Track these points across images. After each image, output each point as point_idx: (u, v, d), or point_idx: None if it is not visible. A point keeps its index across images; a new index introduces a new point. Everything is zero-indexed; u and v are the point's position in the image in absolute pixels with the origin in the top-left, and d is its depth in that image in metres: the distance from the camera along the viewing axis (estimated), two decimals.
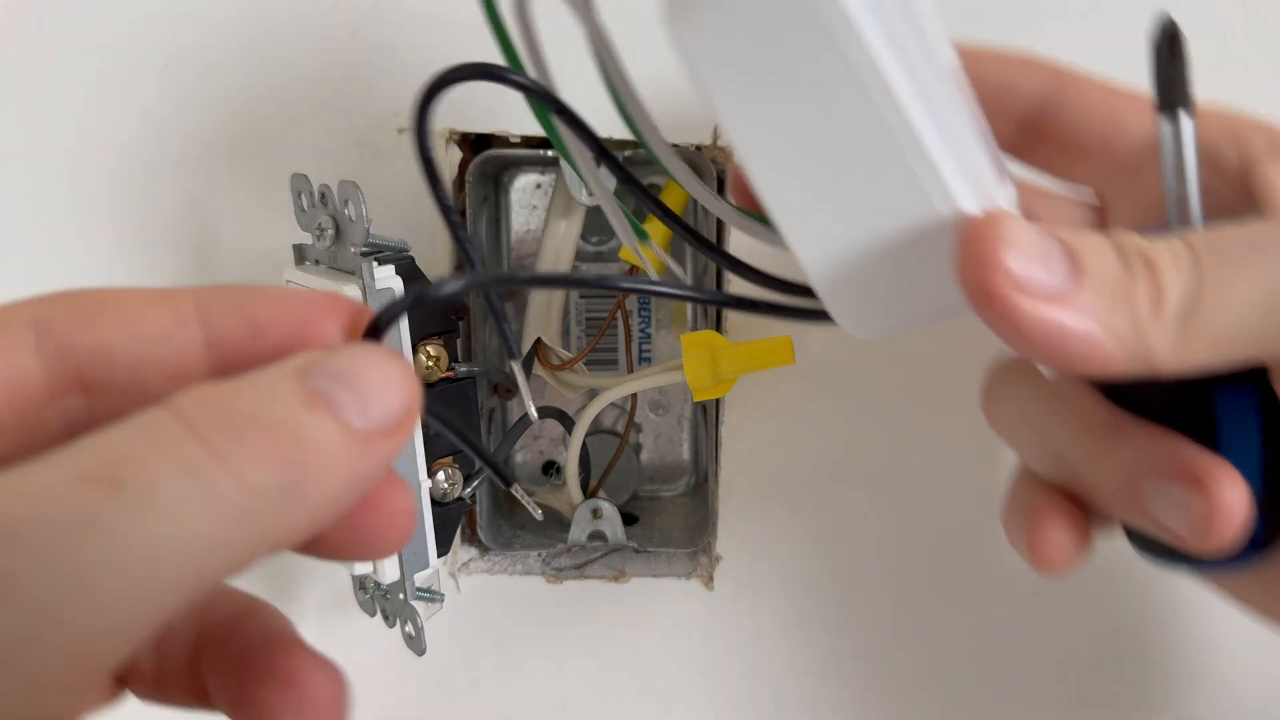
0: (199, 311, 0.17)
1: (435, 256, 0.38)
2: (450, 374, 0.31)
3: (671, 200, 0.39)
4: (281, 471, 0.14)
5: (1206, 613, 0.41)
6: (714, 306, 0.37)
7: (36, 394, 0.16)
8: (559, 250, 0.39)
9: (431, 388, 0.31)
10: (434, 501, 0.32)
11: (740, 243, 0.37)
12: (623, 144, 0.37)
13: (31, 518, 0.12)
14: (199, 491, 0.13)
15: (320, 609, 0.42)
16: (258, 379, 0.15)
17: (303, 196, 0.31)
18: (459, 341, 0.32)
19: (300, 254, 0.33)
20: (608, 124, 0.36)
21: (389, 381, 0.16)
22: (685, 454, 0.45)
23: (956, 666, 0.42)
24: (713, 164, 0.37)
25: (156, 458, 0.13)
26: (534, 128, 0.36)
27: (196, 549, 0.13)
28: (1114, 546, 0.28)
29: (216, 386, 0.15)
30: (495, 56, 0.36)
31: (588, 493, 0.41)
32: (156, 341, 0.17)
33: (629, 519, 0.43)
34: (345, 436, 0.15)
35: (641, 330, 0.43)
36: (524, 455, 0.45)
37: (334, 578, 0.41)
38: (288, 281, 0.32)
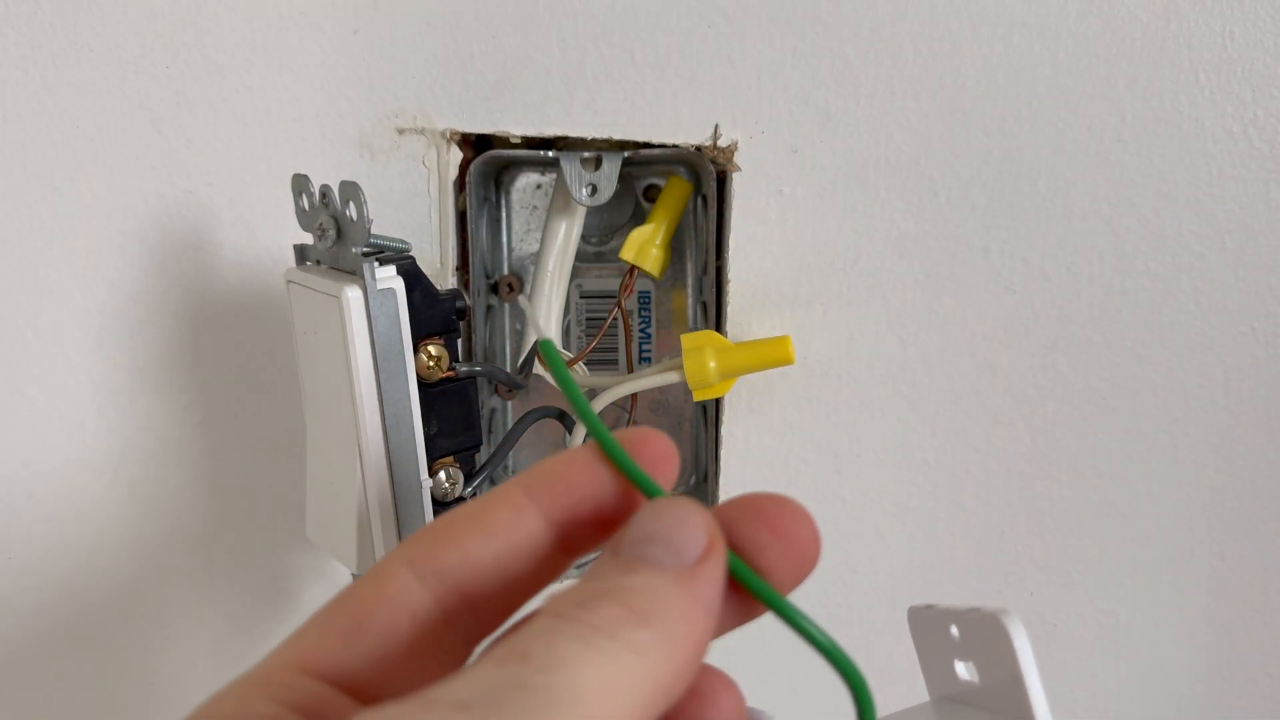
0: (529, 496, 0.19)
1: (435, 255, 0.38)
2: (451, 374, 0.31)
3: (671, 200, 0.39)
4: (634, 618, 0.16)
5: None
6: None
7: (434, 621, 0.18)
8: (560, 252, 0.39)
9: (432, 387, 0.31)
10: (435, 501, 0.32)
11: (741, 244, 0.38)
12: (623, 144, 0.37)
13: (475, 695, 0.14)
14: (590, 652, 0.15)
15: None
16: (591, 571, 0.18)
17: (304, 197, 0.31)
18: (459, 341, 0.32)
19: (301, 254, 0.33)
20: (608, 123, 0.37)
21: (685, 522, 0.18)
22: (685, 453, 0.45)
23: None
24: (712, 164, 0.37)
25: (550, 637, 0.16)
26: (534, 128, 0.37)
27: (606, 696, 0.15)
28: None
29: (572, 588, 0.17)
30: (491, 58, 0.36)
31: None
32: (508, 536, 0.19)
33: None
34: (671, 575, 0.17)
35: (641, 330, 0.43)
36: (524, 455, 0.45)
37: (333, 577, 0.41)
38: (289, 282, 0.32)
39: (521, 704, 0.14)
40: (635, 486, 0.19)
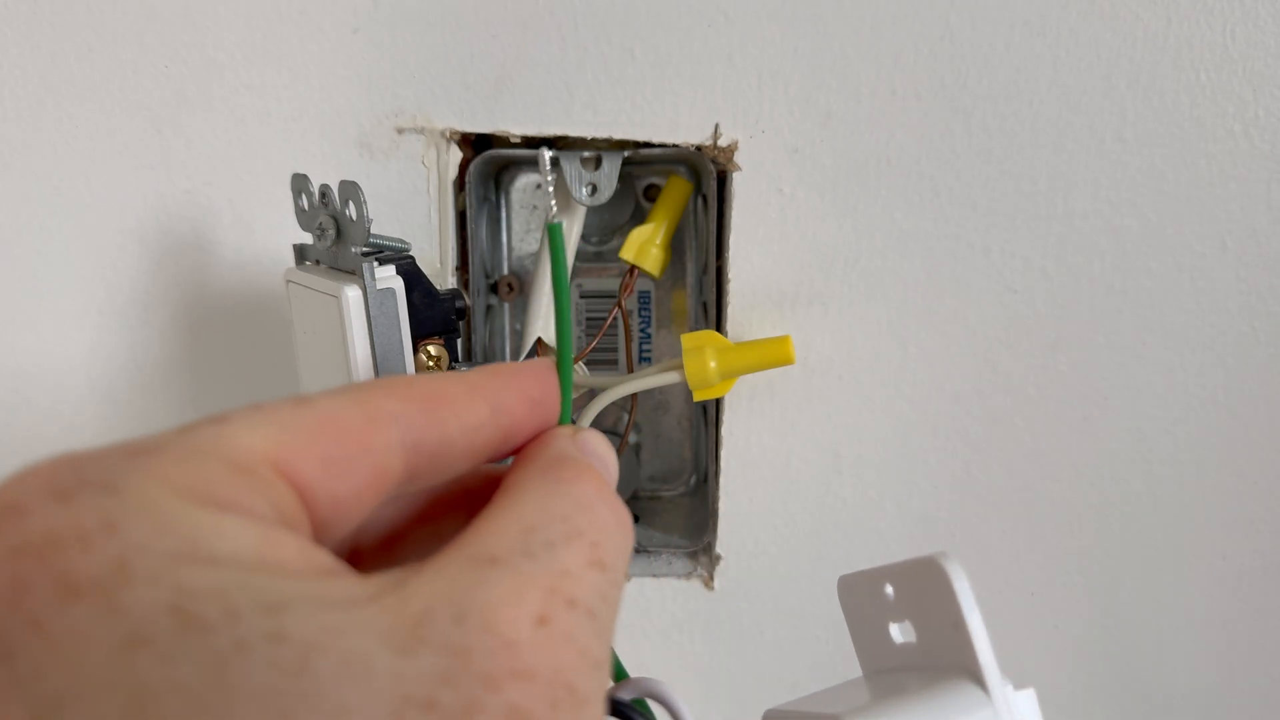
0: (487, 394, 0.20)
1: (434, 255, 0.38)
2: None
3: (671, 200, 0.39)
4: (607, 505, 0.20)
5: None
6: None
7: (394, 483, 0.19)
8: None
9: None
10: None
11: (741, 244, 0.37)
12: (623, 144, 0.37)
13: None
14: None
15: None
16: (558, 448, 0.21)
17: (303, 196, 0.31)
18: (459, 341, 0.32)
19: (301, 254, 0.33)
20: (608, 122, 0.36)
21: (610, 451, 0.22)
22: (685, 454, 0.45)
23: None
24: (712, 164, 0.37)
25: None
26: (534, 128, 0.36)
27: None
28: None
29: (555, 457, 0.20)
30: (491, 57, 0.36)
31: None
32: (476, 429, 0.20)
33: None
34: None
35: (641, 330, 0.43)
36: None
37: None
38: (289, 282, 0.32)
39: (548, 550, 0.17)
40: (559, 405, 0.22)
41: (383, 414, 0.18)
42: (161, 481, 0.15)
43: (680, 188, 0.39)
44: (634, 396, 0.39)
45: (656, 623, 0.42)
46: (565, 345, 0.22)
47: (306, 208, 0.31)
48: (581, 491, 0.19)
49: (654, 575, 0.41)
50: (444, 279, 0.38)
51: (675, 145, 0.37)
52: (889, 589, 0.23)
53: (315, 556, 0.16)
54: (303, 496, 0.17)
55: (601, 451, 0.21)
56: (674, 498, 0.45)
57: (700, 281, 0.41)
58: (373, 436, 0.18)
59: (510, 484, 0.19)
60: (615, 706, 0.21)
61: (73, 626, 0.13)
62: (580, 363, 0.39)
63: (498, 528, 0.17)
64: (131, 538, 0.14)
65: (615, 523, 0.19)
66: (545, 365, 0.22)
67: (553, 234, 0.22)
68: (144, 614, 0.13)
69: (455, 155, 0.37)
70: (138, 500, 0.14)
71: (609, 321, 0.40)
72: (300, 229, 0.32)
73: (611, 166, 0.37)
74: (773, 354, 0.35)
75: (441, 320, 0.31)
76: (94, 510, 0.14)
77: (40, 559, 0.13)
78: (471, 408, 0.19)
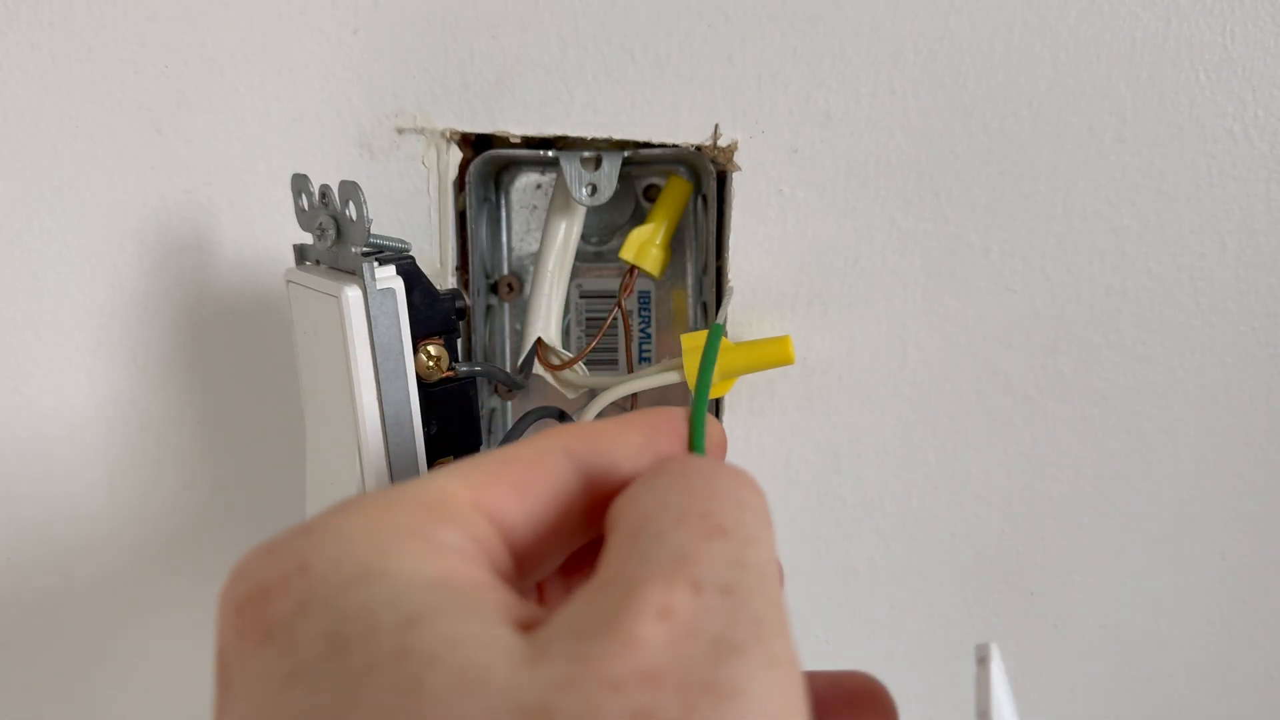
0: (638, 425, 0.21)
1: (434, 255, 0.38)
2: (451, 374, 0.31)
3: (671, 200, 0.39)
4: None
5: None
6: None
7: (578, 507, 0.19)
8: (560, 251, 0.39)
9: (431, 387, 0.31)
10: None
11: (741, 244, 0.37)
12: (623, 144, 0.37)
13: None
14: None
15: None
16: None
17: (303, 196, 0.31)
18: (459, 341, 0.32)
19: (301, 254, 0.33)
20: (608, 122, 0.37)
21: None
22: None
23: (959, 671, 0.42)
24: (712, 164, 0.37)
25: None
26: (534, 128, 0.36)
27: None
28: None
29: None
30: (491, 58, 0.36)
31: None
32: (634, 456, 0.21)
33: None
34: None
35: (641, 330, 0.43)
36: None
37: None
38: (289, 282, 0.32)
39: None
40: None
41: (550, 446, 0.19)
42: (353, 519, 0.16)
43: (680, 188, 0.39)
44: (634, 396, 0.39)
45: None
46: (699, 424, 0.23)
47: (307, 208, 0.31)
48: (672, 474, 0.18)
49: None
50: (444, 279, 0.38)
51: (675, 145, 0.37)
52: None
53: (487, 578, 0.16)
54: (501, 529, 0.18)
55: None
56: None
57: (700, 281, 0.41)
58: (546, 461, 0.19)
59: (613, 509, 0.18)
60: None
61: (262, 666, 0.15)
62: (580, 363, 0.39)
63: (611, 552, 0.17)
64: (317, 572, 0.15)
65: (725, 485, 0.18)
66: (681, 411, 0.23)
67: (714, 334, 0.24)
68: (308, 646, 0.15)
69: (455, 155, 0.37)
70: (330, 537, 0.16)
71: (609, 321, 0.40)
72: (300, 229, 0.32)
73: (611, 167, 0.37)
74: (773, 354, 0.35)
75: (441, 320, 0.31)
76: (293, 554, 0.16)
77: (253, 609, 0.15)
78: (626, 436, 0.21)
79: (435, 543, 0.16)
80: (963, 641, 0.42)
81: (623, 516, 0.17)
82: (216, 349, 0.39)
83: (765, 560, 0.17)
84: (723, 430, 0.23)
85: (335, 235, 0.30)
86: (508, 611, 0.16)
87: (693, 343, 0.36)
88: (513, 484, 0.18)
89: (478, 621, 0.15)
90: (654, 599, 0.15)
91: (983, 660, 0.21)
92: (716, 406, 0.39)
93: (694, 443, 0.22)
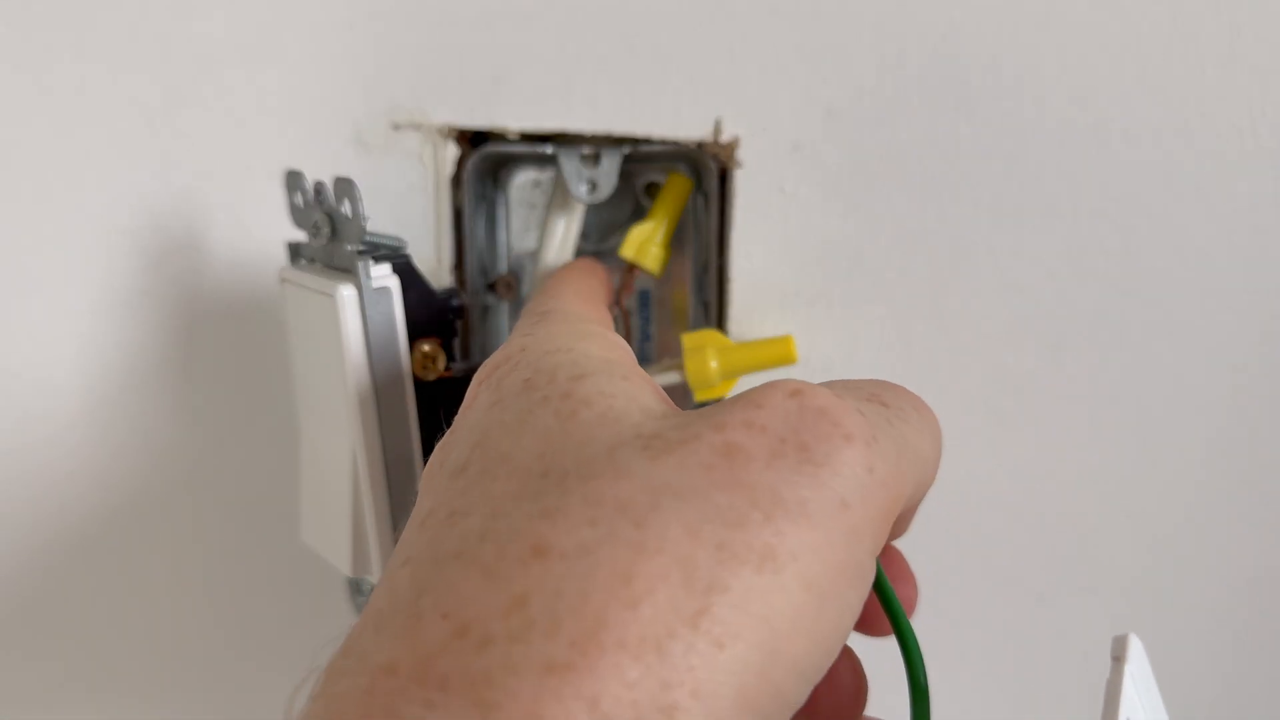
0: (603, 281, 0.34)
1: (431, 253, 0.38)
2: (447, 373, 0.31)
3: (672, 197, 0.39)
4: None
5: None
6: None
7: None
8: (559, 250, 0.39)
9: (428, 387, 0.31)
10: None
11: (742, 242, 0.37)
12: (623, 140, 0.36)
13: None
14: None
15: (315, 613, 0.41)
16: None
17: (298, 193, 0.31)
18: (456, 341, 0.32)
19: (295, 252, 0.32)
20: (608, 118, 0.36)
21: None
22: None
23: (962, 673, 0.42)
24: (713, 161, 0.36)
25: None
26: (532, 123, 0.36)
27: None
28: None
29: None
30: (488, 52, 0.36)
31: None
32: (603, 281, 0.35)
33: None
34: None
35: (642, 330, 0.42)
36: None
37: (327, 580, 0.41)
38: (283, 280, 0.31)
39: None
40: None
41: (589, 270, 0.35)
42: (557, 325, 0.24)
43: (680, 185, 0.39)
44: None
45: None
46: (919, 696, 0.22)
47: (301, 205, 0.31)
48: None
49: None
50: (440, 278, 0.38)
51: (675, 142, 0.36)
52: None
53: (644, 371, 0.22)
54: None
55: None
56: None
57: (701, 280, 0.41)
58: (599, 285, 0.34)
59: None
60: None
61: (481, 399, 0.21)
62: None
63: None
64: (531, 349, 0.22)
65: (913, 406, 0.23)
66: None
67: (883, 586, 0.21)
68: (509, 386, 0.21)
69: (452, 151, 0.37)
70: (543, 332, 0.23)
71: None
72: (295, 226, 0.31)
73: (611, 163, 0.37)
74: (775, 354, 0.35)
75: (438, 319, 0.31)
76: (519, 342, 0.22)
77: (487, 373, 0.22)
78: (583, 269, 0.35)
79: (611, 341, 0.23)
80: (967, 644, 0.42)
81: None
82: (210, 348, 0.39)
83: (909, 438, 0.20)
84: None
85: (330, 233, 0.30)
86: (656, 392, 0.20)
87: (693, 342, 0.35)
88: (601, 308, 0.29)
89: (628, 385, 0.20)
90: (792, 383, 0.19)
91: (1117, 658, 0.20)
92: None
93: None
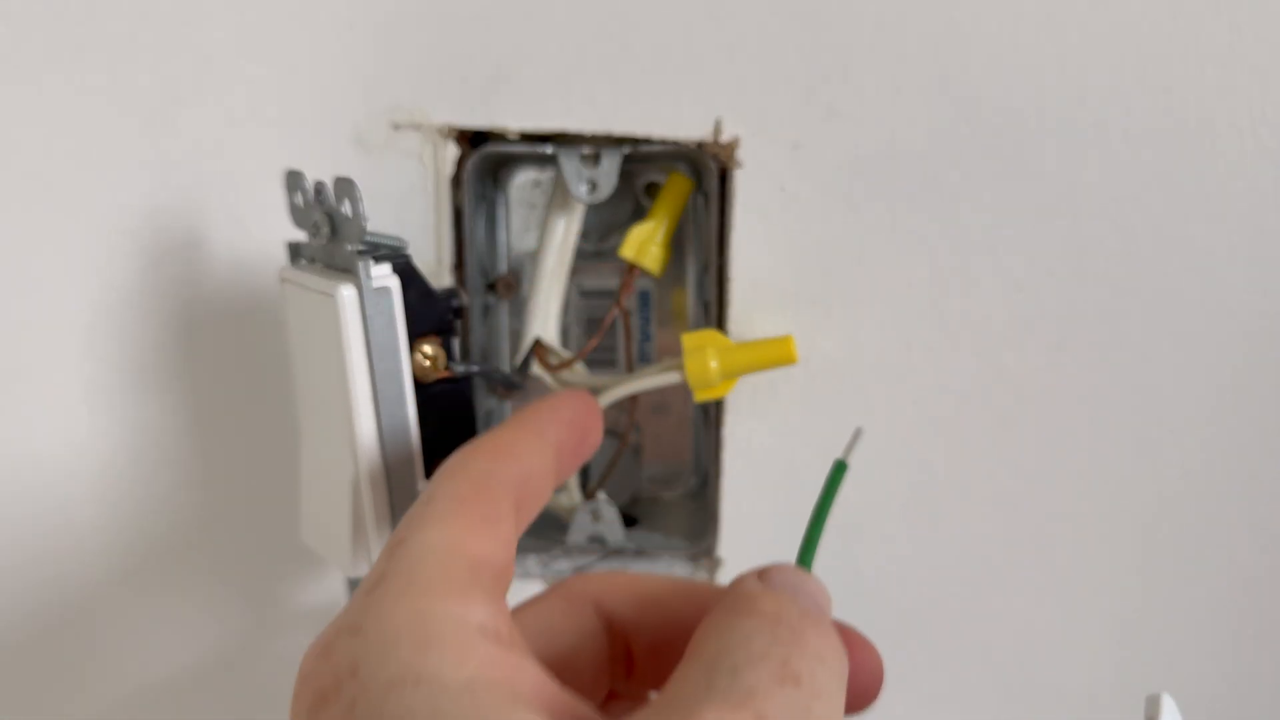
0: (544, 429, 0.25)
1: (431, 253, 0.38)
2: (447, 374, 0.31)
3: (672, 197, 0.39)
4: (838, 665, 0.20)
5: None
6: None
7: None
8: (559, 250, 0.39)
9: (428, 387, 0.31)
10: None
11: (743, 242, 0.37)
12: (623, 140, 0.36)
13: None
14: None
15: (314, 613, 0.41)
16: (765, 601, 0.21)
17: (298, 193, 0.31)
18: (456, 341, 0.32)
19: (295, 252, 0.32)
20: (608, 118, 0.36)
21: (823, 593, 0.23)
22: (686, 455, 0.44)
23: (961, 672, 0.42)
24: (713, 161, 0.36)
25: None
26: (532, 123, 0.36)
27: None
28: None
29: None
30: (488, 52, 0.36)
31: (587, 494, 0.41)
32: (539, 461, 0.24)
33: (629, 521, 0.42)
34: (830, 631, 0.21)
35: (642, 330, 0.42)
36: None
37: (326, 580, 0.41)
38: (283, 280, 0.31)
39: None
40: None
41: (479, 472, 0.23)
42: (396, 612, 0.18)
43: (681, 185, 0.39)
44: (634, 397, 0.39)
45: None
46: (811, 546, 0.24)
47: (301, 205, 0.31)
48: (764, 615, 0.19)
49: None
50: (441, 277, 0.38)
51: (676, 142, 0.36)
52: None
53: (514, 662, 0.18)
54: (495, 571, 0.20)
55: (793, 580, 0.21)
56: (675, 500, 0.44)
57: (701, 280, 0.41)
58: (493, 489, 0.22)
59: (696, 634, 0.19)
60: None
61: None
62: (579, 363, 0.39)
63: (682, 674, 0.18)
64: (364, 675, 0.17)
65: (812, 639, 0.19)
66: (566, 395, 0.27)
67: (836, 472, 0.24)
68: None
69: (452, 151, 0.37)
70: (376, 638, 0.17)
71: (608, 321, 0.40)
72: (295, 226, 0.31)
73: (611, 163, 0.37)
74: (775, 354, 0.35)
75: (438, 319, 0.31)
76: (345, 656, 0.17)
77: (313, 716, 0.17)
78: (527, 442, 0.24)
79: (467, 630, 0.18)
80: (967, 643, 0.42)
81: (704, 643, 0.18)
82: (210, 348, 0.38)
83: (830, 716, 0.18)
84: (823, 589, 0.23)
85: (330, 233, 0.30)
86: (539, 701, 0.17)
87: (693, 342, 0.35)
88: (484, 519, 0.21)
89: None
90: None
91: (1151, 718, 0.21)
92: (718, 407, 0.39)
93: (802, 556, 0.24)
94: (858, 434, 0.26)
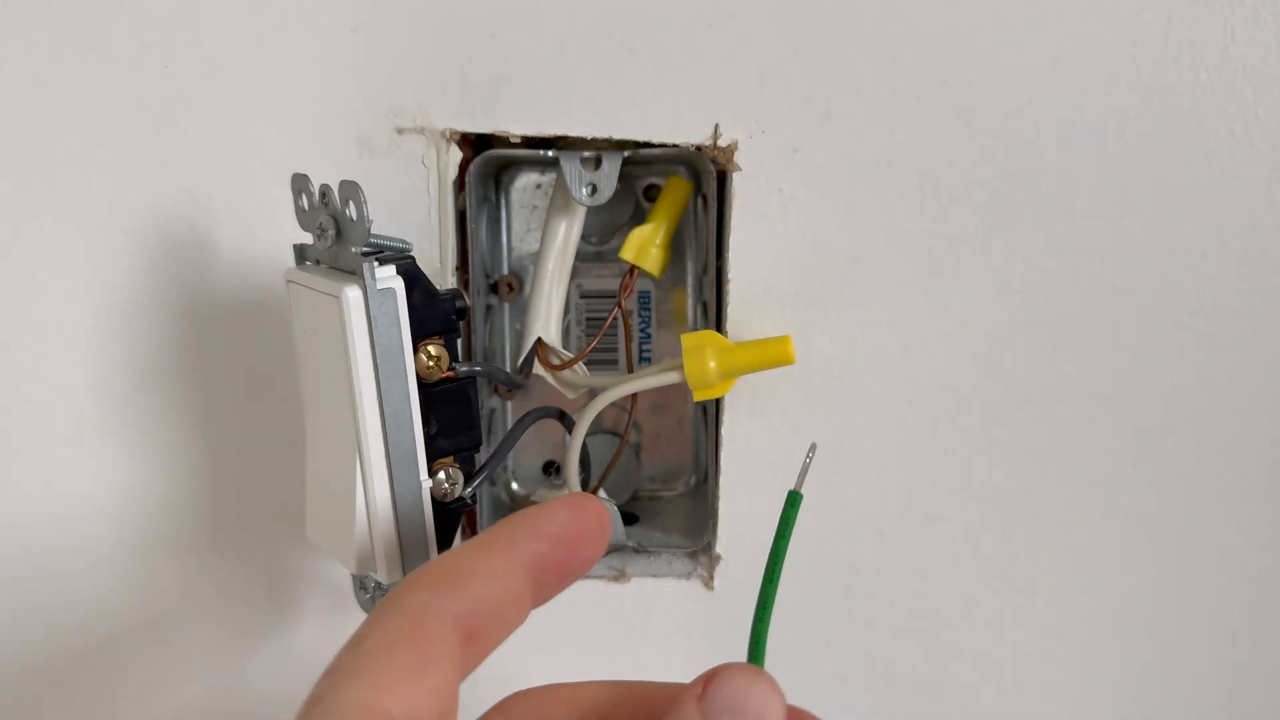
0: (515, 544, 0.22)
1: (434, 255, 0.38)
2: (451, 374, 0.31)
3: (671, 199, 0.39)
4: None
5: None
6: None
7: (457, 658, 0.21)
8: (560, 251, 0.39)
9: (432, 387, 0.31)
10: (435, 501, 0.31)
11: (741, 244, 0.37)
12: (623, 144, 0.37)
13: None
14: None
15: (320, 610, 0.42)
16: None
17: (303, 196, 0.31)
18: (459, 341, 0.32)
19: (300, 254, 0.33)
20: (608, 122, 0.36)
21: (770, 706, 0.20)
22: (685, 454, 0.45)
23: (959, 670, 0.42)
24: (712, 164, 0.37)
25: None
26: (533, 127, 0.36)
27: None
28: None
29: None
30: (490, 57, 0.36)
31: (588, 493, 0.41)
32: (505, 584, 0.21)
33: (629, 519, 0.43)
34: None
35: (641, 330, 0.43)
36: (524, 455, 0.45)
37: (334, 578, 0.41)
38: (288, 282, 0.32)
39: None
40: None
41: (418, 606, 0.20)
42: None
43: (680, 187, 0.39)
44: (634, 396, 0.39)
45: (657, 623, 0.42)
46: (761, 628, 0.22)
47: (306, 208, 0.31)
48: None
49: (654, 575, 0.41)
50: (444, 279, 0.38)
51: (675, 145, 0.36)
52: None
53: None
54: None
55: (738, 697, 0.20)
56: (674, 498, 0.45)
57: (700, 281, 0.41)
58: (427, 630, 0.20)
59: None
60: None
61: None
62: (580, 363, 0.39)
63: None
64: None
65: None
66: (535, 510, 0.23)
67: (791, 504, 0.22)
68: None
69: (455, 155, 0.37)
70: None
71: (609, 322, 0.40)
72: (300, 229, 0.32)
73: (611, 166, 0.37)
74: (773, 354, 0.35)
75: (441, 320, 0.31)
76: None
77: None
78: (489, 562, 0.22)
79: None
80: (964, 642, 0.42)
81: None
82: (216, 349, 0.39)
83: None
84: (770, 701, 0.21)
85: (335, 235, 0.30)
86: None
87: (693, 343, 0.35)
88: (411, 670, 0.19)
89: None
90: None
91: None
92: (717, 407, 0.39)
93: (752, 653, 0.22)
94: (811, 452, 0.25)
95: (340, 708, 0.18)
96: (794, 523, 0.23)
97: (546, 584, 0.23)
